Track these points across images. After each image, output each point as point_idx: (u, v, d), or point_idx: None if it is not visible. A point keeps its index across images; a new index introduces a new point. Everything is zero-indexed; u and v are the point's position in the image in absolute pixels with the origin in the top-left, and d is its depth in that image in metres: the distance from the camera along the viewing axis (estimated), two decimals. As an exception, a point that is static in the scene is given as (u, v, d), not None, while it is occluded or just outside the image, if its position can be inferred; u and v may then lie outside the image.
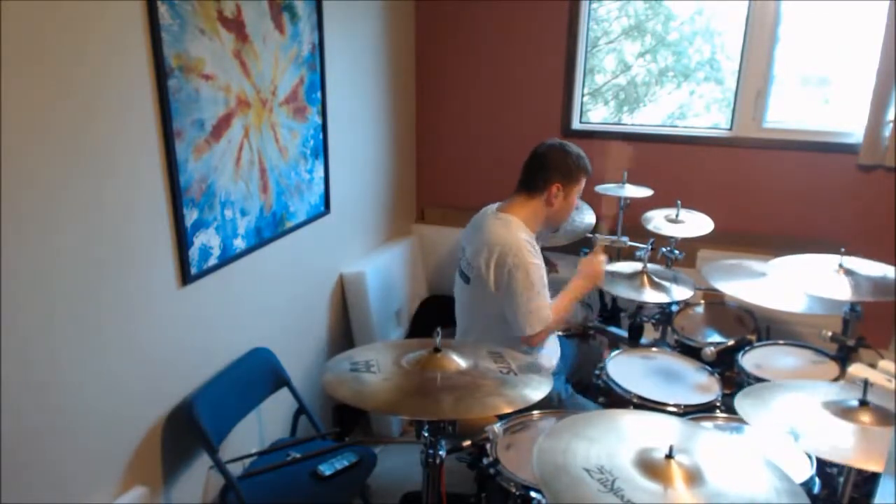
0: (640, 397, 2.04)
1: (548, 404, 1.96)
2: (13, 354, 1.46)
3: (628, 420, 1.42)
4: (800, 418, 1.37)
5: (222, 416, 2.05)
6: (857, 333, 2.14)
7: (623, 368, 2.21)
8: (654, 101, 3.50)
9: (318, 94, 2.55)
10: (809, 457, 1.72)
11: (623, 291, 2.40)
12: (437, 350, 1.58)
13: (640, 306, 2.49)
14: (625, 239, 2.92)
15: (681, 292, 2.37)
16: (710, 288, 2.51)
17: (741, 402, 1.48)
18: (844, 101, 3.08)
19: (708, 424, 1.90)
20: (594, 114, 3.54)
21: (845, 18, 2.96)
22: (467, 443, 1.73)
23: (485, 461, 1.74)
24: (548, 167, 2.22)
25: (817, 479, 1.69)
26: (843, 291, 2.01)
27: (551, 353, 2.33)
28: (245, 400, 2.20)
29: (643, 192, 2.91)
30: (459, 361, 1.58)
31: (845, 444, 1.31)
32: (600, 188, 2.94)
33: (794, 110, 3.12)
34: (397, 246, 3.32)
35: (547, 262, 2.34)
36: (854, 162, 2.91)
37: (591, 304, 2.97)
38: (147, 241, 1.80)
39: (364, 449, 2.25)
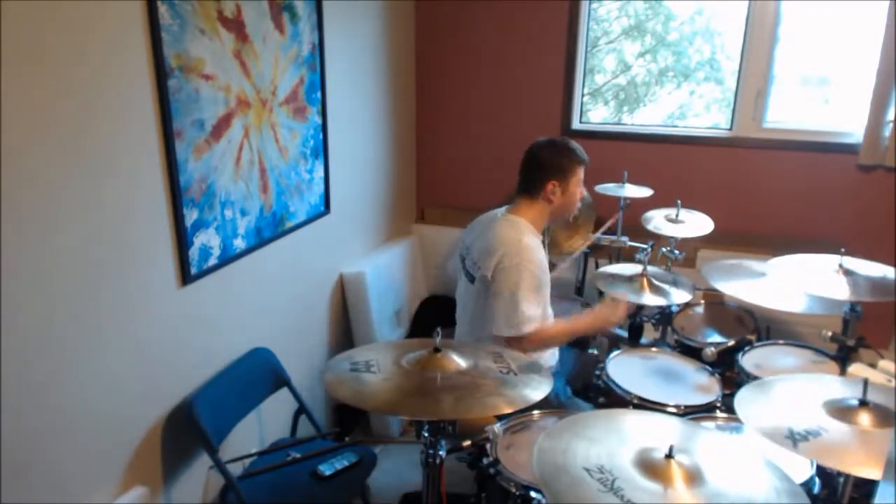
0: (640, 398, 2.04)
1: (547, 404, 1.96)
2: (13, 354, 1.46)
3: (628, 420, 1.42)
4: (798, 419, 1.37)
5: (222, 416, 2.05)
6: (857, 333, 2.14)
7: (623, 369, 2.21)
8: (654, 101, 3.50)
9: (318, 94, 2.55)
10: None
11: (622, 294, 2.39)
12: (437, 350, 1.58)
13: (640, 306, 2.49)
14: (625, 239, 2.92)
15: (680, 295, 2.37)
16: (710, 288, 2.50)
17: (741, 402, 1.48)
18: (844, 101, 3.08)
19: (708, 424, 1.90)
20: (594, 114, 3.54)
21: (845, 18, 2.96)
22: (467, 443, 1.73)
23: (485, 461, 1.74)
24: (540, 167, 2.21)
25: (817, 479, 1.69)
26: (842, 291, 2.01)
27: (552, 355, 2.32)
28: (245, 400, 2.20)
29: (643, 192, 2.91)
30: (459, 361, 1.58)
31: (845, 446, 1.31)
32: (600, 188, 2.94)
33: (794, 110, 3.12)
34: (397, 246, 3.32)
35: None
36: (854, 162, 2.91)
37: (591, 305, 2.97)
38: (147, 241, 1.80)
39: (364, 449, 2.25)
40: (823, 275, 2.10)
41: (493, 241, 2.14)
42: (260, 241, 2.28)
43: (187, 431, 1.95)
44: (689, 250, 2.92)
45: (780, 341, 2.39)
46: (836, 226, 2.99)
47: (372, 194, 3.16)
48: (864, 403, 1.38)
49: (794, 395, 1.49)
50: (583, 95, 3.36)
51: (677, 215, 2.77)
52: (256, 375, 2.26)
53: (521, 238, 2.12)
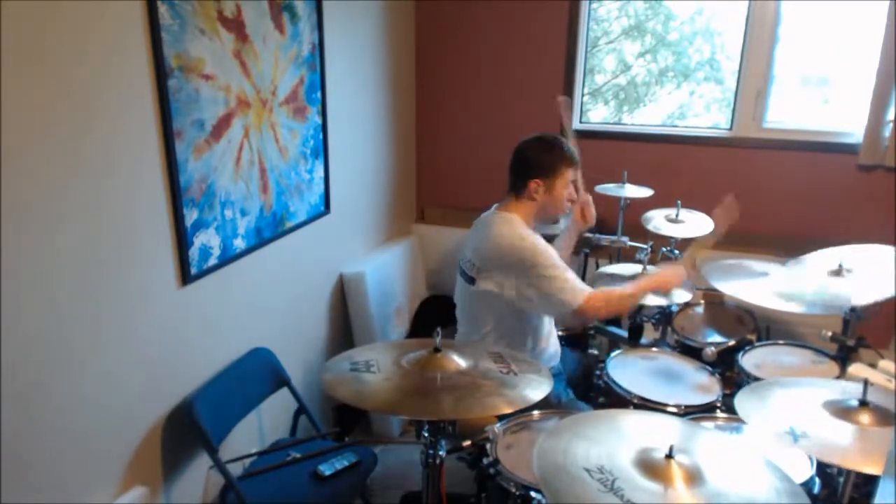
0: (640, 398, 2.04)
1: (548, 405, 1.96)
2: (13, 354, 1.46)
3: (628, 420, 1.42)
4: (799, 418, 1.37)
5: (222, 416, 2.05)
6: (857, 333, 2.14)
7: (623, 369, 2.21)
8: (654, 101, 3.50)
9: (318, 94, 2.55)
10: (809, 457, 1.72)
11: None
12: (437, 350, 1.58)
13: (640, 306, 2.49)
14: (625, 239, 2.92)
15: (680, 295, 2.37)
16: (710, 288, 2.50)
17: (741, 401, 1.48)
18: (844, 101, 3.08)
19: (708, 424, 1.90)
20: (594, 114, 3.54)
21: (845, 18, 2.96)
22: (467, 443, 1.73)
23: (485, 461, 1.74)
24: (523, 164, 2.19)
25: (817, 479, 1.69)
26: (843, 291, 2.01)
27: (551, 355, 2.32)
28: (245, 400, 2.20)
29: (643, 192, 2.91)
30: (459, 361, 1.58)
31: (845, 444, 1.31)
32: (600, 188, 2.94)
33: (794, 110, 3.12)
34: (397, 246, 3.32)
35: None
36: (854, 162, 2.91)
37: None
38: (147, 241, 1.80)
39: (364, 449, 2.25)
40: (823, 275, 2.10)
41: (489, 239, 2.14)
42: (260, 241, 2.28)
43: (187, 431, 1.95)
44: (689, 250, 2.92)
45: (780, 341, 2.39)
46: (836, 226, 2.99)
47: (372, 194, 3.16)
48: (864, 403, 1.38)
49: (795, 396, 1.49)
50: (583, 95, 3.36)
51: (677, 215, 2.78)
52: (256, 375, 2.26)
53: (518, 231, 2.11)
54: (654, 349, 2.40)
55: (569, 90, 3.26)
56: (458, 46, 3.36)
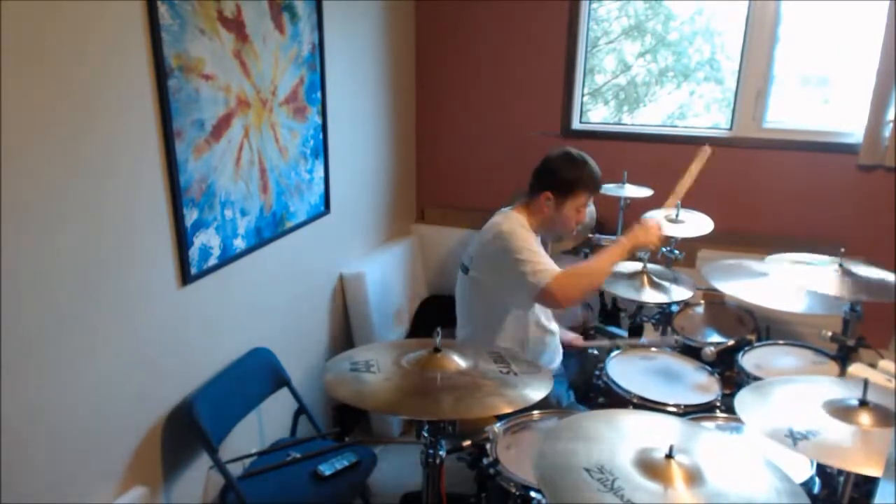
0: (640, 397, 2.04)
1: (548, 407, 1.96)
2: (13, 354, 1.46)
3: (628, 420, 1.42)
4: (798, 419, 1.37)
5: (222, 416, 2.05)
6: (857, 333, 2.14)
7: (623, 368, 2.21)
8: (654, 101, 3.50)
9: (318, 94, 2.55)
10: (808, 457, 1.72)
11: (623, 291, 2.40)
12: (437, 350, 1.58)
13: (640, 306, 2.49)
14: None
15: (681, 292, 2.37)
16: (710, 288, 2.50)
17: (742, 402, 1.48)
18: (844, 101, 3.08)
19: (708, 424, 1.90)
20: (594, 114, 3.54)
21: (845, 18, 2.96)
22: (467, 443, 1.72)
23: (485, 461, 1.74)
24: (543, 173, 2.18)
25: (817, 479, 1.69)
26: (843, 291, 2.01)
27: (552, 357, 2.32)
28: (245, 400, 2.20)
29: (643, 192, 2.91)
30: (459, 361, 1.58)
31: (845, 446, 1.31)
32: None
33: (794, 110, 3.12)
34: (397, 246, 3.32)
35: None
36: (854, 162, 2.91)
37: (591, 305, 2.97)
38: (147, 241, 1.80)
39: (364, 449, 2.25)
40: (823, 275, 2.10)
41: (484, 230, 2.17)
42: (260, 241, 2.28)
43: (187, 431, 1.95)
44: (689, 250, 2.92)
45: (780, 341, 2.39)
46: (836, 226, 2.99)
47: (372, 194, 3.16)
48: (864, 403, 1.38)
49: (795, 396, 1.49)
50: (583, 95, 3.36)
51: (677, 215, 2.77)
52: (256, 375, 2.26)
53: (512, 224, 2.11)
54: (654, 349, 2.39)
55: (569, 90, 3.26)
56: (458, 46, 3.36)
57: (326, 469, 2.12)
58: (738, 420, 1.91)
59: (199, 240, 1.98)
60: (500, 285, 2.13)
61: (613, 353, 2.33)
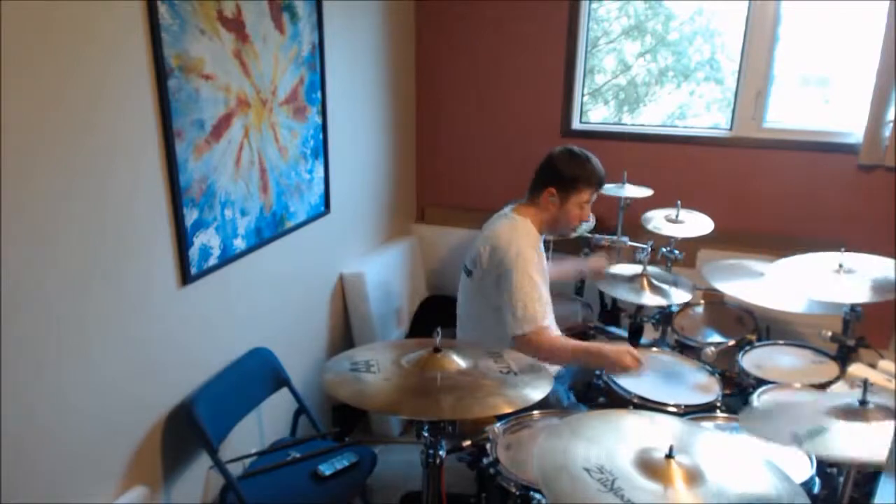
0: (640, 397, 2.04)
1: (548, 406, 1.96)
2: (13, 354, 1.46)
3: (628, 420, 1.42)
4: (801, 422, 1.37)
5: (222, 416, 2.05)
6: (856, 333, 2.14)
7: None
8: (654, 101, 3.50)
9: (318, 94, 2.55)
10: (809, 457, 1.72)
11: (623, 293, 2.40)
12: (437, 350, 1.58)
13: (640, 307, 2.49)
14: (625, 239, 2.92)
15: (680, 295, 2.37)
16: (710, 288, 2.51)
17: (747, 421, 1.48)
18: (844, 101, 3.08)
19: (708, 424, 1.90)
20: (594, 114, 3.54)
21: (845, 18, 2.96)
22: (467, 443, 1.72)
23: (485, 461, 1.74)
24: (546, 169, 2.19)
25: (817, 479, 1.69)
26: (843, 291, 2.01)
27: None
28: (245, 400, 2.20)
29: (643, 192, 2.91)
30: (459, 361, 1.58)
31: (846, 445, 1.31)
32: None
33: (794, 110, 3.12)
34: (397, 246, 3.32)
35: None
36: (854, 162, 2.91)
37: (591, 305, 2.97)
38: (147, 241, 1.80)
39: (364, 449, 2.25)
40: (823, 275, 2.10)
41: (489, 237, 2.16)
42: (260, 241, 2.28)
43: (187, 431, 1.95)
44: (689, 250, 2.92)
45: (780, 341, 2.39)
46: (836, 226, 2.99)
47: (372, 194, 3.16)
48: (863, 403, 1.38)
49: (796, 402, 1.49)
50: (583, 95, 3.36)
51: (677, 215, 2.78)
52: (256, 375, 2.26)
53: (519, 236, 2.11)
54: (654, 349, 2.39)
55: (569, 90, 3.26)
56: (458, 46, 3.36)
57: (326, 469, 2.12)
58: (738, 420, 1.92)
59: (199, 240, 1.98)
60: (494, 299, 2.14)
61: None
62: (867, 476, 1.58)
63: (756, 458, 1.30)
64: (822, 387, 2.02)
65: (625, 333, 2.60)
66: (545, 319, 2.08)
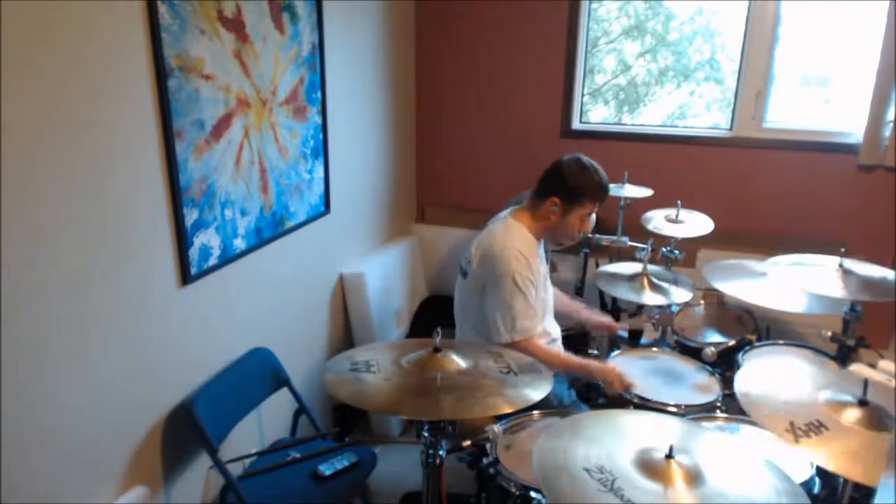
0: (640, 397, 2.04)
1: (549, 406, 1.96)
2: (13, 354, 1.46)
3: (628, 420, 1.42)
4: (800, 413, 1.37)
5: (222, 416, 2.05)
6: (856, 333, 2.14)
7: (623, 369, 2.21)
8: (654, 101, 3.50)
9: (318, 94, 2.55)
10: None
11: (623, 293, 2.40)
12: (437, 350, 1.58)
13: (641, 306, 2.49)
14: (625, 239, 2.93)
15: (680, 294, 2.37)
16: (710, 288, 2.51)
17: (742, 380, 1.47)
18: (844, 101, 3.08)
19: (708, 425, 1.90)
20: (594, 114, 3.54)
21: (845, 18, 2.96)
22: (467, 443, 1.73)
23: (485, 461, 1.74)
24: (552, 177, 2.15)
25: (817, 479, 1.69)
26: (843, 291, 2.01)
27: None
28: (245, 400, 2.20)
29: (643, 192, 2.91)
30: (459, 361, 1.58)
31: (845, 446, 1.31)
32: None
33: (794, 110, 3.12)
34: (397, 246, 3.32)
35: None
36: (854, 162, 2.91)
37: (591, 305, 2.97)
38: (147, 241, 1.80)
39: (364, 449, 2.25)
40: (823, 275, 2.10)
41: (483, 241, 2.16)
42: (260, 241, 2.28)
43: (187, 431, 1.95)
44: (689, 250, 2.92)
45: (780, 341, 2.39)
46: (836, 226, 2.99)
47: (372, 194, 3.16)
48: (863, 403, 1.38)
49: (796, 386, 1.48)
50: (583, 95, 3.36)
51: (677, 215, 2.78)
52: (256, 375, 2.26)
53: (512, 243, 2.09)
54: (654, 349, 2.40)
55: (569, 90, 3.26)
56: (458, 46, 3.36)
57: (326, 469, 2.12)
58: (738, 420, 1.93)
59: (199, 240, 1.98)
60: (483, 303, 2.14)
61: (614, 353, 2.33)
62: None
63: (756, 458, 1.30)
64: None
65: (625, 333, 2.61)
66: (532, 331, 2.08)
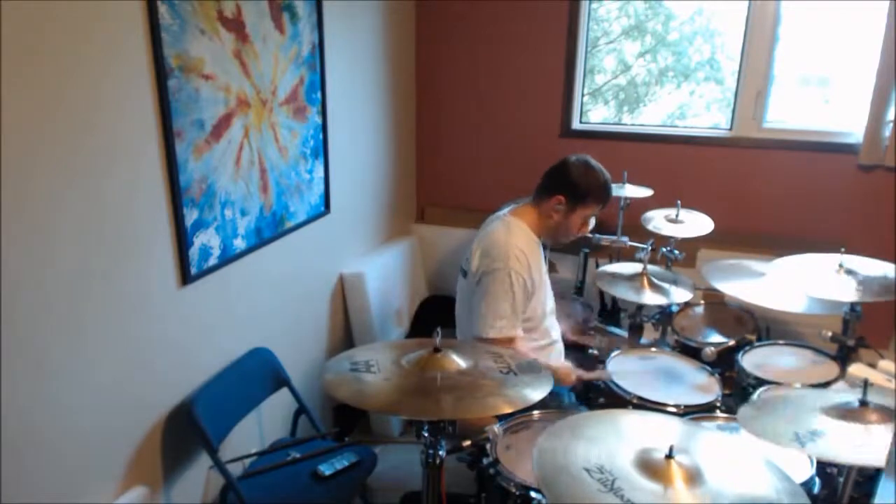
0: (640, 398, 2.04)
1: (549, 406, 1.96)
2: (13, 354, 1.46)
3: (628, 420, 1.42)
4: (801, 422, 1.37)
5: (222, 416, 2.05)
6: (856, 333, 2.14)
7: (623, 368, 2.21)
8: (654, 101, 3.50)
9: (318, 94, 2.55)
10: (809, 457, 1.72)
11: (623, 292, 2.40)
12: (437, 350, 1.58)
13: (640, 306, 2.49)
14: (625, 239, 2.93)
15: (680, 294, 2.37)
16: (710, 288, 2.50)
17: (745, 418, 1.48)
18: (844, 101, 3.08)
19: (708, 425, 1.90)
20: (594, 114, 3.54)
21: (845, 18, 2.96)
22: (467, 443, 1.72)
23: (485, 461, 1.74)
24: (558, 176, 2.15)
25: (817, 479, 1.69)
26: (843, 291, 2.01)
27: (554, 357, 2.32)
28: (245, 400, 2.20)
29: (643, 192, 2.91)
30: (459, 361, 1.58)
31: (847, 445, 1.31)
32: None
33: (794, 110, 3.12)
34: (397, 246, 3.32)
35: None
36: (854, 162, 2.91)
37: (591, 305, 2.97)
38: (147, 241, 1.80)
39: (364, 449, 2.25)
40: (823, 275, 2.10)
41: (483, 240, 2.15)
42: (260, 241, 2.28)
43: (187, 431, 1.95)
44: (689, 250, 2.92)
45: (780, 341, 2.39)
46: (836, 226, 2.99)
47: (372, 194, 3.16)
48: (864, 403, 1.38)
49: (796, 401, 1.48)
50: (583, 95, 3.36)
51: (677, 215, 2.78)
52: (256, 375, 2.26)
53: (511, 242, 2.09)
54: (653, 349, 2.39)
55: (569, 90, 3.26)
56: (458, 46, 3.36)
57: (326, 469, 2.12)
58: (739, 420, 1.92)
59: (199, 240, 1.98)
60: (475, 296, 2.14)
61: (614, 353, 2.33)
62: (867, 476, 1.58)
63: (756, 459, 1.30)
64: (822, 387, 2.02)
65: (625, 333, 2.61)
66: (511, 332, 2.07)
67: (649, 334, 2.59)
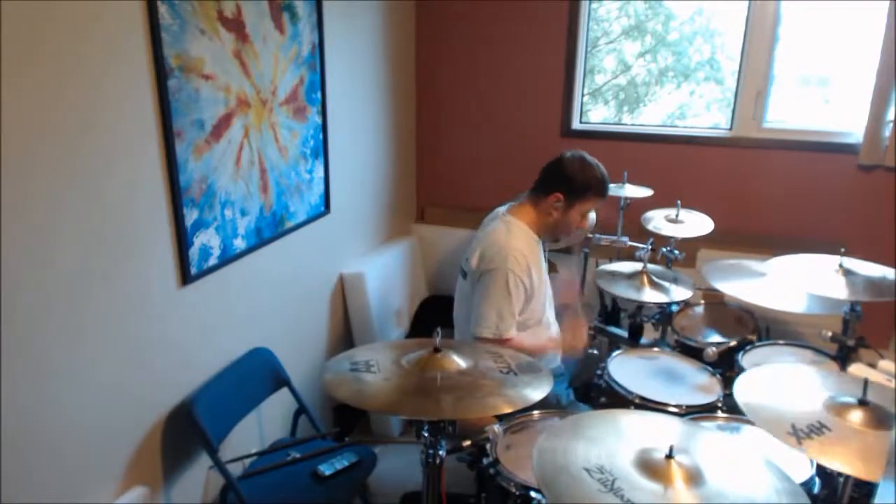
0: (641, 397, 2.04)
1: (548, 406, 1.96)
2: (13, 354, 1.46)
3: (628, 420, 1.42)
4: (801, 415, 1.37)
5: (222, 416, 2.05)
6: (856, 333, 2.14)
7: (624, 368, 2.21)
8: (654, 101, 3.50)
9: (318, 94, 2.55)
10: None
11: (623, 291, 2.39)
12: (437, 350, 1.58)
13: (640, 306, 2.49)
14: (625, 239, 2.93)
15: (680, 292, 2.37)
16: (710, 288, 2.50)
17: (741, 390, 1.47)
18: (844, 101, 3.08)
19: (709, 425, 1.90)
20: (594, 114, 3.54)
21: (845, 18, 2.96)
22: (467, 443, 1.72)
23: (485, 461, 1.74)
24: (555, 173, 2.15)
25: (817, 479, 1.69)
26: (843, 291, 2.01)
27: (551, 358, 2.32)
28: (245, 400, 2.20)
29: (643, 192, 2.91)
30: (459, 361, 1.58)
31: (846, 446, 1.31)
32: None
33: (794, 110, 3.12)
34: (397, 246, 3.32)
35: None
36: (854, 162, 2.91)
37: (591, 305, 2.97)
38: (147, 241, 1.80)
39: (364, 449, 2.25)
40: (823, 275, 2.10)
41: (483, 241, 2.15)
42: (260, 241, 2.28)
43: (187, 431, 1.95)
44: (689, 250, 2.92)
45: (780, 341, 2.39)
46: (836, 226, 2.99)
47: (372, 194, 3.16)
48: (863, 403, 1.38)
49: (796, 389, 1.48)
50: (583, 95, 3.36)
51: (677, 215, 2.78)
52: (256, 375, 2.26)
53: (511, 243, 2.10)
54: (654, 349, 2.39)
55: (569, 90, 3.27)
56: (458, 46, 3.37)
57: (326, 469, 2.12)
58: (739, 420, 1.93)
59: (199, 240, 1.98)
60: (473, 296, 2.15)
61: (614, 353, 2.33)
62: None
63: (756, 459, 1.30)
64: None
65: (625, 333, 2.60)
66: (506, 333, 2.08)
67: (649, 334, 2.59)
